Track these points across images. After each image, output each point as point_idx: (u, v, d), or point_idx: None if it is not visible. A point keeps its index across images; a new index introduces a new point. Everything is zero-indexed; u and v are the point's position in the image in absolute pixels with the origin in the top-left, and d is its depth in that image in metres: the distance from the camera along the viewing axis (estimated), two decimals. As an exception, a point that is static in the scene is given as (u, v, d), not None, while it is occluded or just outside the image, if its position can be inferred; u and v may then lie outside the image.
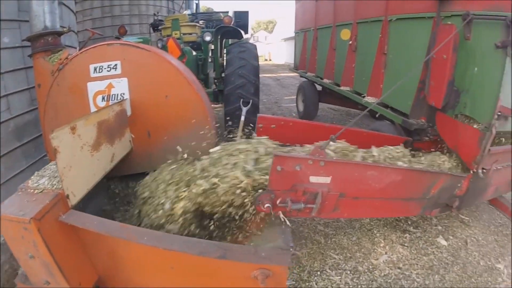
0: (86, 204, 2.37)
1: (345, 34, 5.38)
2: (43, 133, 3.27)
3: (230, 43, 7.07)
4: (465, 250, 3.55)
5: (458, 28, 2.78)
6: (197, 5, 12.92)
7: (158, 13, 10.78)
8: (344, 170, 2.19)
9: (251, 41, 76.95)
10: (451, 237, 3.70)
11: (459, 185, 2.80)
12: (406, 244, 3.39)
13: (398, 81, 3.65)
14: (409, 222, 3.78)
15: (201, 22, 7.04)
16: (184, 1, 14.37)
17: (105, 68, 2.94)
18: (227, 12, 7.94)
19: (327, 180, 2.08)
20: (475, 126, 2.73)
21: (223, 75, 4.94)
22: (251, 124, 3.37)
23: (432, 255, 3.33)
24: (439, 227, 3.83)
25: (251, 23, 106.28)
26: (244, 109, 4.26)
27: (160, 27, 6.61)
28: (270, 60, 45.47)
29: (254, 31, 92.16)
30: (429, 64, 3.21)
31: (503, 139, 3.08)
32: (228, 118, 4.63)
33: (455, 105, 2.99)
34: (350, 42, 5.17)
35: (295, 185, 2.06)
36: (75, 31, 5.72)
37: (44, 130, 3.16)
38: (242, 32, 6.55)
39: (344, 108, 8.31)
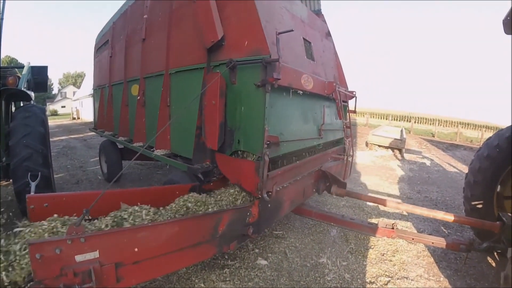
0: None
1: (135, 89, 5.43)
2: None
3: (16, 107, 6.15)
4: (286, 260, 3.90)
5: (223, 75, 3.15)
6: None
7: None
8: (110, 240, 2.13)
9: (58, 98, 70.17)
10: (270, 255, 4.00)
11: (248, 213, 3.07)
12: (227, 279, 3.45)
13: (182, 131, 3.90)
14: (226, 257, 3.88)
15: None
16: None
17: None
18: (22, 67, 6.94)
19: (95, 254, 1.99)
20: (249, 158, 3.06)
21: (10, 143, 4.18)
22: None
23: (257, 278, 3.51)
24: (257, 250, 4.10)
25: (59, 77, 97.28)
26: (33, 184, 3.69)
27: None
28: (79, 118, 42.02)
29: (61, 86, 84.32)
30: (202, 111, 3.47)
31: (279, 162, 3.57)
32: (19, 197, 4.04)
33: (231, 143, 3.29)
34: (139, 97, 5.23)
35: (63, 268, 1.90)
36: None
37: None
38: (32, 93, 5.81)
39: (151, 161, 8.26)
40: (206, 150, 3.49)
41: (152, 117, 4.84)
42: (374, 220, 5.06)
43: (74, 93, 61.58)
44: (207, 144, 3.41)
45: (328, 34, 5.60)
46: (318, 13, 5.70)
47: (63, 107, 65.95)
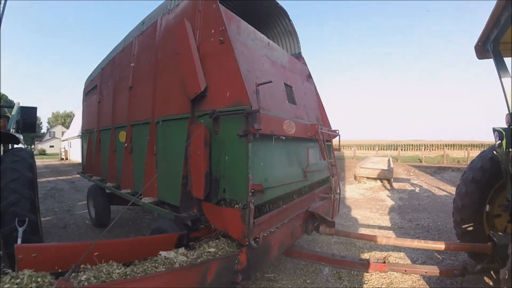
0: None
1: (122, 136, 5.50)
2: None
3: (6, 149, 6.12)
4: None
5: (206, 125, 3.25)
6: None
7: None
8: None
9: (47, 137, 69.68)
10: None
11: (236, 261, 3.07)
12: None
13: (169, 179, 3.93)
14: None
15: None
16: None
17: None
18: (12, 107, 6.97)
19: None
20: (235, 206, 3.10)
21: None
22: None
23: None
24: None
25: (47, 116, 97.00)
26: (20, 230, 3.72)
27: None
28: (67, 159, 41.61)
29: (50, 126, 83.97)
30: (188, 161, 3.54)
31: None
32: (5, 241, 3.94)
33: (217, 191, 3.34)
34: (126, 144, 5.29)
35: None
36: None
37: None
38: (20, 136, 5.83)
39: (139, 206, 8.12)
40: (192, 198, 3.52)
41: (140, 164, 4.88)
42: (366, 255, 5.09)
43: (63, 133, 61.47)
44: (193, 193, 3.46)
45: (309, 76, 5.83)
46: (299, 56, 5.94)
47: (51, 146, 65.60)
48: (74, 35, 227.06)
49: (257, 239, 3.09)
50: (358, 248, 5.81)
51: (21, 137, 5.93)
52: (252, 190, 2.98)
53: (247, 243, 2.99)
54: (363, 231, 7.02)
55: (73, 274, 2.39)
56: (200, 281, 2.74)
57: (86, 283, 2.42)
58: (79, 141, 33.86)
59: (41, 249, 2.90)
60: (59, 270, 2.72)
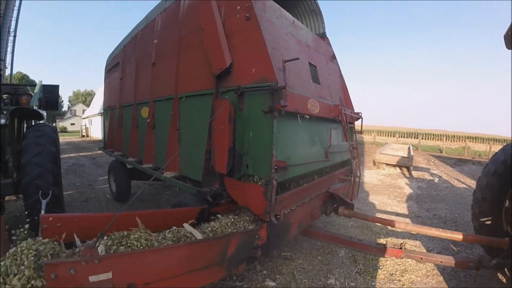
0: None
1: (145, 112, 5.55)
2: None
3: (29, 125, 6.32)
4: (294, 282, 3.91)
5: (231, 101, 3.25)
6: (1, 75, 11.25)
7: None
8: (123, 262, 2.17)
9: (68, 115, 71.19)
10: (278, 276, 4.02)
11: (257, 236, 3.09)
12: (234, 301, 3.43)
13: (191, 154, 3.95)
14: (235, 278, 3.90)
15: (5, 96, 6.08)
16: None
17: None
18: (34, 85, 7.14)
19: (108, 276, 2.03)
20: (258, 183, 3.11)
21: (21, 161, 4.29)
22: None
23: (265, 299, 3.46)
24: (265, 271, 4.11)
25: (69, 94, 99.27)
26: (44, 202, 3.81)
27: None
28: (88, 136, 42.56)
29: (71, 104, 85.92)
30: (211, 136, 3.55)
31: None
32: (28, 213, 4.05)
33: (240, 167, 3.36)
34: (148, 120, 5.34)
35: (77, 288, 1.95)
36: None
37: None
38: (44, 112, 5.97)
39: (159, 182, 8.26)
40: (215, 173, 3.56)
41: (162, 139, 4.93)
42: (382, 240, 5.07)
43: (83, 111, 62.50)
44: (216, 168, 3.48)
45: (333, 57, 5.71)
46: (323, 36, 5.82)
47: (72, 124, 66.99)
48: (94, 14, 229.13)
49: (278, 216, 3.11)
50: (374, 233, 5.80)
51: (44, 113, 6.07)
52: (276, 167, 2.98)
53: (268, 220, 2.99)
54: (380, 216, 6.97)
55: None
56: (222, 254, 2.78)
57: (111, 251, 2.49)
58: (99, 118, 34.65)
59: (65, 219, 2.98)
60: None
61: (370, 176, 12.63)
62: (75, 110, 74.18)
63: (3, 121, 4.90)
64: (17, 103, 6.32)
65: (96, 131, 38.12)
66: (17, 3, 17.39)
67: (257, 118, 3.16)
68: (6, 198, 6.51)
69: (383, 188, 10.52)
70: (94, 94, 58.81)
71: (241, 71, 3.41)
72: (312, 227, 4.42)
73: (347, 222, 6.21)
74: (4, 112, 5.01)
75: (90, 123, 43.46)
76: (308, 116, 3.66)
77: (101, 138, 33.34)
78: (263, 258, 3.23)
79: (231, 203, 3.77)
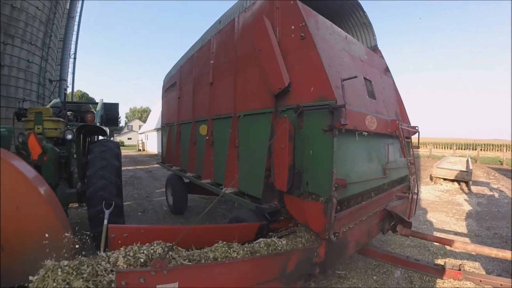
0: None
1: (203, 129, 5.77)
2: None
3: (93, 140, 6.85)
4: None
5: (291, 120, 3.30)
6: (65, 94, 12.41)
7: (24, 100, 10.31)
8: (189, 273, 2.29)
9: (125, 130, 75.21)
10: None
11: (315, 254, 3.12)
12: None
13: (250, 171, 4.05)
14: None
15: (69, 113, 6.74)
16: (56, 87, 13.70)
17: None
18: (96, 103, 7.80)
19: (175, 285, 2.15)
20: (318, 200, 3.12)
21: (87, 173, 4.71)
22: None
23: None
24: None
25: (125, 111, 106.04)
26: (107, 212, 4.10)
27: (22, 119, 6.10)
28: (144, 150, 44.74)
29: (128, 120, 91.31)
30: (271, 154, 3.65)
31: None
32: (91, 221, 4.39)
33: (299, 185, 3.38)
34: (207, 137, 5.54)
35: (145, 295, 2.09)
36: None
37: None
38: (107, 129, 6.47)
39: (214, 196, 8.44)
40: (274, 190, 3.63)
41: (220, 156, 5.08)
42: (440, 261, 4.84)
43: (139, 126, 66.02)
44: (276, 185, 3.54)
45: (387, 70, 5.63)
46: (375, 48, 5.78)
47: (129, 139, 70.80)
48: (150, 35, 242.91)
49: (337, 234, 3.11)
50: (432, 253, 5.56)
51: (107, 129, 6.56)
52: (336, 185, 2.99)
53: (327, 237, 3.01)
54: (438, 235, 6.65)
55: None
56: (282, 269, 2.82)
57: (178, 263, 2.61)
58: (155, 134, 36.20)
59: (132, 230, 3.15)
60: None
61: (427, 192, 12.06)
62: (131, 126, 78.48)
63: (70, 136, 5.43)
64: (82, 120, 6.93)
65: (152, 146, 39.96)
66: (75, 28, 19.32)
67: (316, 136, 3.19)
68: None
69: (441, 205, 10.00)
70: (150, 111, 61.79)
71: (299, 90, 3.47)
72: (368, 246, 4.34)
73: (403, 241, 5.99)
74: (71, 129, 5.54)
75: (146, 138, 45.68)
76: (366, 133, 3.64)
77: (156, 152, 34.97)
78: (321, 275, 3.23)
79: (289, 220, 3.80)
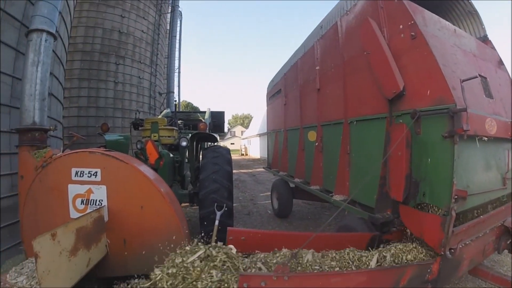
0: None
1: (312, 135, 5.85)
2: (20, 223, 3.35)
3: (205, 147, 7.53)
4: None
5: (408, 126, 3.15)
6: (176, 105, 13.98)
7: (139, 111, 11.64)
8: (308, 281, 2.38)
9: (228, 135, 79.16)
10: None
11: (429, 270, 2.92)
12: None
13: (362, 178, 3.97)
14: None
15: (179, 122, 7.45)
16: (165, 99, 15.28)
17: (86, 174, 3.23)
18: (204, 112, 8.45)
19: None
20: (436, 213, 2.93)
21: (200, 177, 5.17)
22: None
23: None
24: None
25: (228, 118, 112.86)
26: (218, 213, 4.22)
27: (140, 128, 6.91)
28: (247, 154, 46.73)
29: (231, 126, 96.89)
30: (387, 161, 3.45)
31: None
32: (203, 221, 4.69)
33: (415, 195, 3.18)
34: (317, 144, 5.56)
35: (264, 298, 2.24)
36: (61, 123, 6.38)
37: (22, 221, 3.30)
38: (217, 136, 7.01)
39: (318, 201, 8.44)
40: (388, 200, 3.46)
41: (330, 162, 5.10)
42: None
43: (242, 132, 69.12)
44: (391, 195, 3.36)
45: (501, 63, 4.85)
46: (485, 39, 5.10)
47: (232, 144, 74.31)
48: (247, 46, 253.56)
49: (453, 250, 2.92)
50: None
51: (217, 136, 7.09)
52: (456, 196, 2.76)
53: (442, 253, 2.83)
54: None
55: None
56: (395, 283, 2.72)
57: (299, 269, 2.72)
58: (257, 139, 37.59)
59: (249, 233, 3.28)
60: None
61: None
62: (234, 131, 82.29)
63: (184, 143, 5.95)
64: (192, 128, 7.60)
65: (254, 150, 41.65)
66: (177, 45, 21.49)
67: (435, 142, 2.99)
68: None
69: None
70: (251, 117, 64.25)
71: (414, 93, 3.30)
72: (480, 265, 3.85)
73: (518, 263, 5.14)
74: (185, 136, 6.07)
75: (249, 143, 47.77)
76: (486, 138, 3.30)
77: (259, 157, 36.15)
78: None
79: (402, 232, 3.56)
